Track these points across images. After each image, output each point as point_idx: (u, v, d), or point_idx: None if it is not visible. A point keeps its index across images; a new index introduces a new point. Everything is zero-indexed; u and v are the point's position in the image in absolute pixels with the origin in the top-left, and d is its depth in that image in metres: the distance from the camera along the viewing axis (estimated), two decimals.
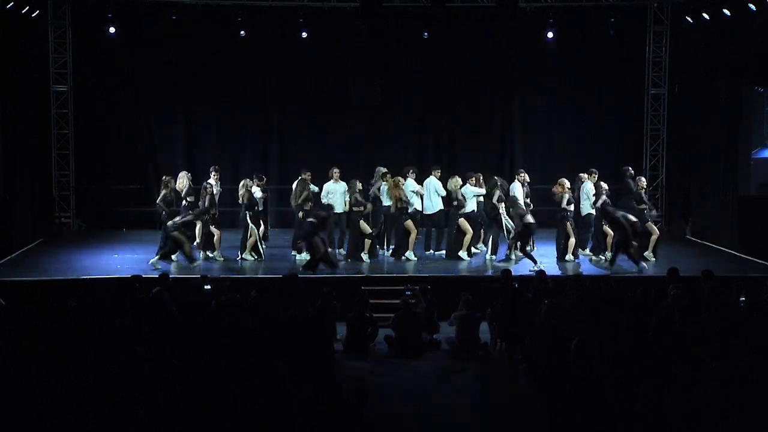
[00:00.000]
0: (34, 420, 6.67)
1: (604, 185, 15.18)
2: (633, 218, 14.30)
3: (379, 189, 15.32)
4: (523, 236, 14.50)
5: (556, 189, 15.20)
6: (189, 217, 14.71)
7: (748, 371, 7.55)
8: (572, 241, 15.10)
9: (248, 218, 14.99)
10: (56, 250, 16.40)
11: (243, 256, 15.07)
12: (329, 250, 14.31)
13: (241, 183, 15.33)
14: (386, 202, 15.16)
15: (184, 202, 15.32)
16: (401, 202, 15.00)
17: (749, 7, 15.56)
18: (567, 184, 15.17)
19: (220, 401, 7.00)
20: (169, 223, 14.51)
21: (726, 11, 16.33)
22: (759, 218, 16.39)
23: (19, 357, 7.86)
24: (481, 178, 15.48)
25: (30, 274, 13.85)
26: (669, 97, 19.39)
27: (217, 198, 15.38)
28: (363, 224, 15.22)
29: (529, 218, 14.52)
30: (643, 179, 15.75)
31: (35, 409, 6.75)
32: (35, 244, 16.75)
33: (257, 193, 15.26)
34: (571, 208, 15.19)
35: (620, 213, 14.44)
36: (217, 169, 15.72)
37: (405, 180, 15.21)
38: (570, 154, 19.13)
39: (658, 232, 15.36)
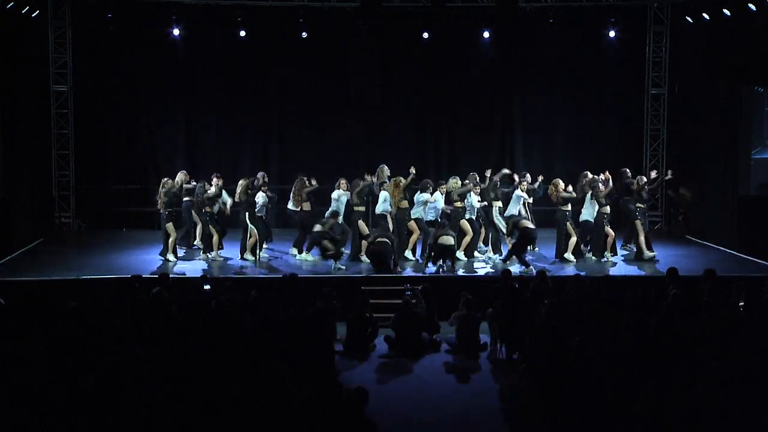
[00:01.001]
0: (34, 420, 6.67)
1: (602, 186, 15.28)
2: (529, 225, 14.59)
3: (380, 187, 15.33)
4: (438, 254, 14.15)
5: (551, 190, 15.27)
6: (331, 221, 14.66)
7: (748, 371, 7.56)
8: (573, 240, 15.12)
9: (247, 219, 15.00)
10: (56, 250, 16.40)
11: (244, 256, 15.07)
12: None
13: (239, 183, 15.27)
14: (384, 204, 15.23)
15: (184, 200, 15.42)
16: (402, 203, 15.03)
17: (749, 7, 15.57)
18: (561, 185, 15.20)
19: (220, 401, 7.00)
20: (316, 229, 14.52)
21: (726, 11, 16.33)
22: (759, 218, 16.39)
23: (19, 357, 7.87)
24: (477, 177, 15.54)
25: (30, 274, 13.85)
26: (669, 97, 19.40)
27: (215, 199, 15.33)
28: (361, 224, 15.23)
29: (447, 240, 14.08)
30: (644, 178, 15.78)
31: (35, 409, 6.76)
32: (35, 244, 16.76)
33: (260, 199, 15.22)
34: (569, 207, 15.21)
35: (516, 218, 14.78)
36: (218, 176, 15.54)
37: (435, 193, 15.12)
38: (570, 154, 19.16)
39: (612, 233, 15.31)
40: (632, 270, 14.56)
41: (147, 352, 8.15)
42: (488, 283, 12.93)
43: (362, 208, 15.38)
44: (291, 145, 19.36)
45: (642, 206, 15.50)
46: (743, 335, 8.98)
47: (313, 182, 15.63)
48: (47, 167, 18.40)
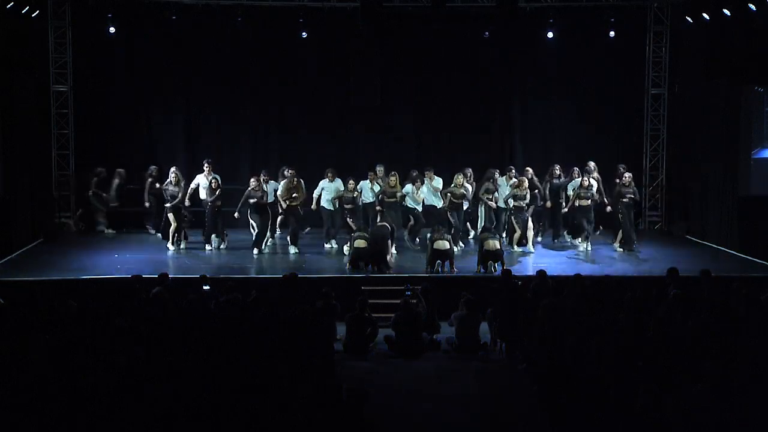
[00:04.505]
0: (34, 420, 6.67)
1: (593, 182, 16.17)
2: (495, 244, 14.66)
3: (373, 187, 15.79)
4: (434, 258, 14.21)
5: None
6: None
7: (748, 371, 7.55)
8: (518, 234, 15.84)
9: (249, 216, 15.16)
10: (56, 250, 16.39)
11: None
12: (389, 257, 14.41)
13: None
14: (371, 199, 15.92)
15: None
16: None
17: (749, 7, 15.57)
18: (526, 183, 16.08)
19: (220, 401, 7.00)
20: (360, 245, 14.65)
21: (726, 11, 16.33)
22: (759, 218, 16.39)
23: (19, 357, 7.87)
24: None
25: (30, 274, 13.85)
26: (669, 97, 19.39)
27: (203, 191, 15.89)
28: (350, 222, 15.48)
29: (443, 245, 14.12)
30: (627, 174, 16.18)
31: (35, 409, 6.75)
32: (35, 244, 16.75)
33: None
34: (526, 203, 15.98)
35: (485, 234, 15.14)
36: (209, 161, 16.09)
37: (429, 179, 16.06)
38: (569, 154, 19.12)
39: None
40: (632, 270, 14.56)
41: (147, 352, 8.15)
42: (488, 283, 12.94)
43: (350, 205, 15.76)
44: (291, 145, 19.34)
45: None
46: (742, 335, 8.98)
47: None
48: (47, 167, 18.38)
